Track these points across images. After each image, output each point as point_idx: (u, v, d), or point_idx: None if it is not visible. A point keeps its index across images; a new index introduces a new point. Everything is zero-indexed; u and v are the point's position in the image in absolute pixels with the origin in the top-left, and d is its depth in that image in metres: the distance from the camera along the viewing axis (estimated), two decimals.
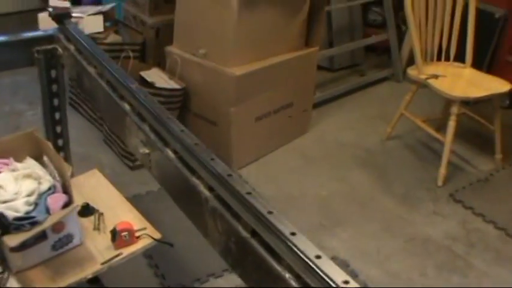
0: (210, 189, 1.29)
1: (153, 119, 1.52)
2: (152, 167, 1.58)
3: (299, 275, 1.05)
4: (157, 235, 2.17)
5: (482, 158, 3.55)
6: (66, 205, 2.04)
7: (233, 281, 2.57)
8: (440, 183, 3.25)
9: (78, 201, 2.37)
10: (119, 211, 2.31)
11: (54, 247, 2.08)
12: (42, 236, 2.02)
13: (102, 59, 1.84)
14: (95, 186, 2.44)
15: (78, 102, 3.71)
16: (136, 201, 3.02)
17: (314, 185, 3.22)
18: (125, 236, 2.11)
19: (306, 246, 1.08)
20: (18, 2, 5.50)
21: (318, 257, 1.06)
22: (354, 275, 2.62)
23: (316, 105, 3.84)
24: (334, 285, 1.00)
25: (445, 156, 3.21)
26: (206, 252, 2.69)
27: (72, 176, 2.58)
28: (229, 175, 1.25)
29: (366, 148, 3.59)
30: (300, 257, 1.06)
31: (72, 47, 2.07)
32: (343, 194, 3.18)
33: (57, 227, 2.05)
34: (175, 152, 1.43)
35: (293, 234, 1.10)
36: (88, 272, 2.07)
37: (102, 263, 2.09)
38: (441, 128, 3.54)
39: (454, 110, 3.14)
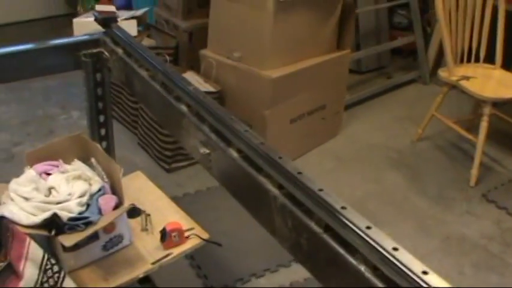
0: (279, 187, 1.32)
1: (214, 119, 1.56)
2: (213, 167, 1.62)
3: (376, 266, 1.09)
4: (205, 235, 2.21)
5: None
6: (116, 206, 2.09)
7: (274, 280, 2.61)
8: (472, 183, 3.28)
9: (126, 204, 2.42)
10: (166, 212, 2.35)
11: (105, 247, 2.13)
12: (94, 236, 2.06)
13: (155, 61, 1.89)
14: (139, 188, 2.49)
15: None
16: (176, 203, 3.08)
17: (348, 186, 3.26)
18: (175, 236, 2.15)
19: (383, 239, 1.11)
20: (46, 7, 5.58)
21: (395, 249, 1.10)
22: None
23: (346, 108, 3.87)
24: (413, 276, 1.04)
25: (478, 156, 3.24)
26: (247, 253, 2.76)
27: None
28: (299, 173, 1.29)
29: (397, 149, 3.63)
30: (377, 249, 1.10)
31: (120, 51, 2.12)
32: (377, 194, 3.21)
33: (109, 227, 2.09)
34: (239, 151, 1.47)
35: (368, 228, 1.14)
36: (139, 272, 2.11)
37: (153, 263, 2.13)
38: (471, 129, 3.57)
39: (486, 110, 3.17)
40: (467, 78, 3.30)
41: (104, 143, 2.61)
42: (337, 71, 3.49)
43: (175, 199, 3.08)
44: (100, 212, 2.07)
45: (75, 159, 2.30)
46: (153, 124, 3.27)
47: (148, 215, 2.36)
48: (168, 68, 1.86)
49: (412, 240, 2.88)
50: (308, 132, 3.44)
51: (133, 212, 2.35)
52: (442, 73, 3.42)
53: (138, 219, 2.35)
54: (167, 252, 2.17)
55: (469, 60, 3.51)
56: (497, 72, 3.48)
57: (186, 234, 2.19)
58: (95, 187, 2.15)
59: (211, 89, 3.23)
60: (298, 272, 2.66)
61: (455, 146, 3.68)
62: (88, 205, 2.06)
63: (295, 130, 3.34)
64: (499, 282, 2.66)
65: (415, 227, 2.98)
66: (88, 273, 2.12)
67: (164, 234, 2.16)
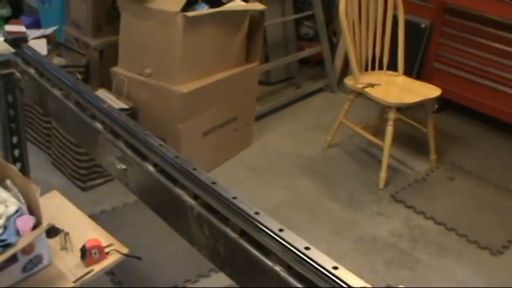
0: (195, 197, 1.38)
1: (129, 135, 1.60)
2: (130, 182, 1.65)
3: (290, 266, 1.16)
4: (124, 250, 2.24)
5: (418, 159, 3.77)
6: (35, 226, 2.08)
7: (219, 281, 2.66)
8: (381, 185, 3.44)
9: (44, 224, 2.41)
10: (84, 229, 2.36)
11: (24, 269, 2.11)
12: (12, 259, 2.04)
13: (68, 80, 1.91)
14: (56, 207, 2.48)
15: None
16: (92, 219, 3.07)
17: (262, 194, 3.35)
18: (95, 253, 2.17)
19: (295, 240, 1.19)
20: None
21: (307, 248, 1.18)
22: None
23: (257, 118, 3.97)
24: (325, 271, 1.12)
25: (385, 159, 3.40)
26: (167, 265, 2.80)
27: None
28: (214, 183, 1.36)
29: (308, 157, 3.75)
30: (290, 249, 1.18)
31: (32, 70, 2.11)
32: (291, 201, 3.32)
33: (28, 248, 2.08)
34: (155, 165, 1.51)
35: (281, 230, 1.22)
36: None
37: (74, 281, 2.14)
38: (378, 133, 3.75)
39: (391, 115, 3.34)
40: (372, 85, 3.47)
41: (19, 164, 2.59)
42: (247, 83, 3.58)
43: (93, 217, 3.07)
44: (18, 234, 2.06)
45: None
46: (66, 143, 3.25)
47: (67, 233, 2.36)
48: (81, 87, 1.89)
49: (326, 243, 3.00)
50: (221, 144, 3.51)
51: (52, 231, 2.35)
52: (348, 81, 3.57)
53: (57, 238, 2.35)
54: (88, 269, 2.18)
55: (373, 68, 3.68)
56: (400, 79, 3.67)
57: (106, 250, 2.21)
58: (12, 209, 2.14)
59: (123, 105, 3.24)
60: (218, 282, 2.71)
61: (364, 151, 3.85)
62: (5, 227, 2.05)
63: (208, 142, 3.40)
64: (410, 276, 2.81)
65: (329, 230, 3.10)
66: None
67: (84, 252, 2.17)
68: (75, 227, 2.35)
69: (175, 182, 1.45)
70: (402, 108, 3.84)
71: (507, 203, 3.41)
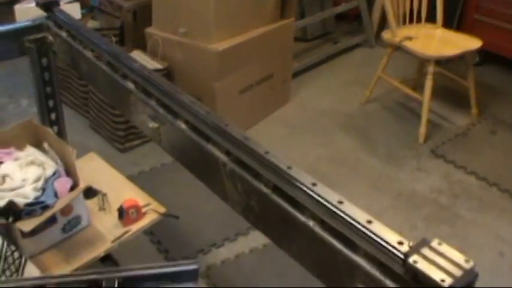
0: (227, 153, 1.36)
1: (161, 93, 1.59)
2: (162, 140, 1.65)
3: (323, 220, 1.14)
4: (162, 209, 2.25)
5: (459, 113, 3.69)
6: (72, 188, 2.10)
7: (234, 248, 2.67)
8: (421, 140, 3.38)
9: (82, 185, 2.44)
10: (122, 190, 2.38)
11: (64, 230, 2.14)
12: (52, 220, 2.07)
13: (99, 42, 1.90)
14: (94, 169, 2.50)
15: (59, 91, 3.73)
16: (132, 181, 3.10)
17: (300, 151, 3.32)
18: (132, 213, 2.19)
19: (328, 194, 1.17)
20: None
21: (340, 202, 1.15)
22: None
23: (295, 76, 3.92)
24: (358, 225, 1.10)
25: (424, 114, 3.33)
26: (205, 225, 2.81)
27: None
28: (246, 138, 1.33)
29: (346, 113, 3.70)
30: (323, 204, 1.15)
31: (64, 34, 2.12)
32: (329, 158, 3.29)
33: (66, 210, 2.11)
34: (186, 122, 1.50)
35: (314, 184, 1.19)
36: (100, 251, 2.14)
37: (113, 241, 2.17)
38: (417, 88, 3.67)
39: (430, 69, 3.26)
40: (410, 38, 3.38)
41: (55, 128, 2.61)
42: (282, 39, 3.53)
43: (131, 178, 3.10)
44: (56, 196, 2.09)
45: (28, 146, 2.31)
46: (104, 106, 3.27)
47: (105, 194, 2.38)
48: (113, 47, 1.88)
49: (366, 199, 2.97)
50: (258, 102, 3.49)
51: (90, 192, 2.37)
52: (386, 35, 3.49)
53: (95, 199, 2.37)
54: (126, 229, 2.20)
55: (411, 21, 3.59)
56: (439, 31, 3.56)
57: (143, 210, 2.22)
58: (49, 171, 2.17)
59: (158, 66, 3.23)
60: (257, 239, 2.72)
61: (402, 106, 3.77)
62: (44, 189, 2.08)
63: (244, 100, 3.38)
64: (450, 232, 2.77)
65: (368, 186, 3.06)
66: (49, 257, 2.14)
67: (122, 212, 2.19)
68: (112, 188, 2.37)
69: (207, 138, 1.44)
70: (442, 62, 3.75)
71: None
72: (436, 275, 0.96)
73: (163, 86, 1.59)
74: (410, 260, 0.99)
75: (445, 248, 1.02)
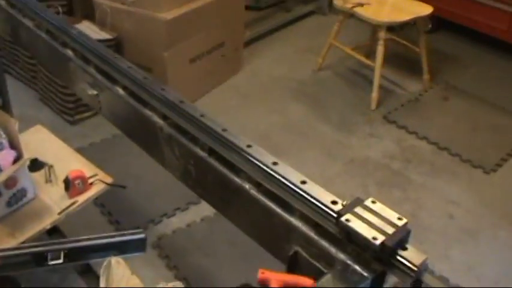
0: (164, 117, 1.34)
1: (99, 60, 1.55)
2: (102, 108, 1.62)
3: (259, 182, 1.13)
4: (109, 179, 2.22)
5: (411, 80, 3.70)
6: (15, 160, 2.06)
7: (186, 218, 2.66)
8: (373, 106, 3.39)
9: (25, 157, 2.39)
10: (68, 162, 2.34)
11: (9, 203, 2.10)
12: None
13: (39, 10, 1.84)
14: (40, 141, 2.45)
15: (7, 64, 3.63)
16: (81, 153, 3.05)
17: (252, 120, 3.31)
18: (78, 184, 2.15)
19: (263, 156, 1.16)
20: None
21: (275, 163, 1.14)
22: None
23: (247, 44, 3.89)
24: (293, 186, 1.09)
25: (376, 80, 3.34)
26: (156, 195, 2.78)
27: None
28: (182, 101, 1.31)
29: (299, 80, 3.69)
30: (258, 166, 1.14)
31: (3, 2, 2.05)
32: (281, 125, 3.28)
33: (10, 182, 2.07)
34: (124, 88, 1.47)
35: (249, 146, 1.18)
36: (46, 223, 2.11)
37: (59, 213, 2.13)
38: (370, 55, 3.67)
39: (381, 35, 3.26)
40: (361, 4, 3.37)
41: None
42: (233, 7, 3.48)
43: (81, 150, 3.06)
44: None
45: None
46: (52, 78, 3.19)
47: (51, 166, 2.34)
48: (52, 15, 1.82)
49: (318, 166, 2.98)
50: (209, 71, 3.44)
51: (36, 165, 2.33)
52: (337, 1, 3.46)
53: (42, 171, 2.33)
54: (72, 200, 2.17)
55: None
56: None
57: (90, 180, 2.19)
58: None
59: (107, 36, 3.17)
60: (209, 208, 2.68)
61: (356, 73, 3.77)
62: None
63: (195, 69, 3.34)
64: (402, 196, 2.80)
65: (321, 153, 3.07)
66: None
67: (68, 183, 2.15)
68: (59, 160, 2.32)
69: (145, 103, 1.41)
70: (395, 28, 3.75)
71: (501, 121, 3.36)
72: (368, 233, 0.96)
73: (102, 53, 1.55)
74: (343, 218, 0.99)
75: (378, 207, 1.02)
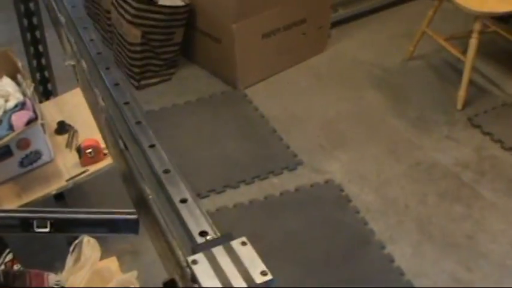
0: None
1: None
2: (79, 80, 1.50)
3: None
4: None
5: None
6: (29, 122, 2.02)
7: (218, 201, 2.53)
8: (459, 106, 3.03)
9: (57, 119, 2.36)
10: (95, 129, 2.27)
11: (21, 164, 2.09)
12: (7, 153, 2.03)
13: None
14: (76, 105, 2.40)
15: (94, 21, 3.63)
16: None
17: (323, 105, 3.08)
18: (90, 153, 2.08)
19: (160, 160, 0.98)
20: None
21: (167, 171, 0.96)
22: (347, 200, 2.51)
23: (337, 24, 3.62)
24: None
25: (465, 77, 2.97)
26: (195, 173, 2.67)
27: (57, 94, 2.57)
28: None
29: (384, 68, 3.37)
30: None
31: None
32: (351, 114, 3.02)
33: (22, 143, 2.05)
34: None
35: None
36: (52, 188, 2.07)
37: (67, 180, 2.08)
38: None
39: (476, 26, 2.89)
40: None
41: (44, 60, 2.52)
42: None
43: None
44: (12, 128, 2.02)
45: (4, 76, 2.25)
46: (122, 41, 3.14)
47: (76, 131, 2.29)
48: None
49: (378, 164, 2.71)
50: (285, 48, 3.23)
51: (63, 128, 2.29)
52: None
53: (66, 135, 2.29)
54: (84, 169, 2.11)
55: None
56: None
57: (105, 151, 2.11)
58: (11, 103, 2.10)
59: (179, 2, 3.06)
60: (245, 194, 2.55)
61: (449, 66, 3.39)
62: (0, 121, 2.02)
63: (269, 45, 3.14)
64: (463, 213, 2.47)
65: (385, 151, 2.79)
66: (3, 190, 2.09)
67: (79, 151, 2.09)
68: (87, 126, 2.26)
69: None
70: (507, 21, 3.33)
71: None
72: (209, 282, 0.76)
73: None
74: (191, 258, 0.79)
75: (245, 252, 0.80)
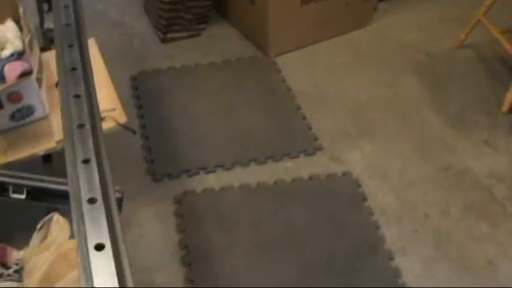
0: None
1: None
2: None
3: None
4: (123, 119, 1.96)
5: None
6: (24, 74, 1.86)
7: (224, 178, 2.36)
8: (505, 109, 2.75)
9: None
10: (97, 87, 2.10)
11: (13, 117, 1.97)
12: None
13: None
14: None
15: None
16: (154, 75, 2.82)
17: (356, 86, 2.85)
18: None
19: None
20: None
21: (92, 200, 0.78)
22: (362, 199, 2.30)
23: None
24: None
25: None
26: (205, 144, 2.49)
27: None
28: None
29: (430, 53, 3.10)
30: None
31: None
32: (385, 101, 2.78)
33: (14, 97, 1.92)
34: None
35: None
36: (41, 149, 1.93)
37: (57, 142, 1.93)
38: None
39: None
40: None
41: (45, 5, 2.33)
42: None
43: (158, 71, 2.83)
44: (3, 80, 1.86)
45: (9, 19, 2.09)
46: None
47: None
48: None
49: (403, 163, 2.48)
50: (325, 18, 2.97)
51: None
52: None
53: None
54: None
55: None
56: None
57: (103, 114, 1.93)
58: (7, 52, 1.95)
59: None
60: (254, 174, 2.37)
61: (501, 62, 3.08)
62: None
63: (308, 13, 2.89)
64: (487, 232, 2.24)
65: (414, 148, 2.55)
66: None
67: None
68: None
69: None
70: None
71: None
72: None
73: None
74: None
75: None
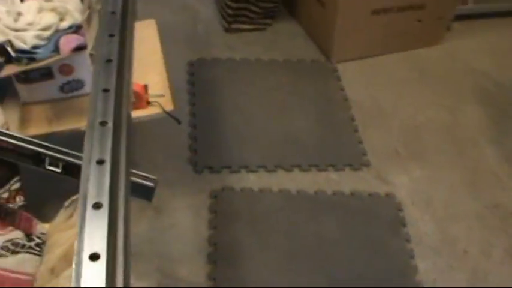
0: None
1: None
2: None
3: None
4: (170, 106, 1.94)
5: None
6: (79, 48, 1.86)
7: (265, 180, 2.31)
8: None
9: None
10: (150, 70, 2.10)
11: (62, 89, 1.99)
12: (48, 74, 1.91)
13: None
14: (143, 38, 2.21)
15: None
16: (213, 64, 2.79)
17: (414, 105, 2.75)
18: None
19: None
20: None
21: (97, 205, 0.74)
22: (402, 224, 2.22)
23: (463, 18, 3.21)
24: None
25: None
26: (251, 141, 2.45)
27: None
28: None
29: (498, 82, 2.95)
30: None
31: None
32: (442, 125, 2.68)
33: (65, 69, 1.95)
34: None
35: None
36: (83, 124, 1.92)
37: None
38: None
39: None
40: None
41: None
42: None
43: (216, 61, 2.80)
44: (57, 51, 1.87)
45: None
46: None
47: None
48: None
49: (449, 193, 2.38)
50: (394, 31, 2.88)
51: None
52: None
53: None
54: None
55: None
56: None
57: (149, 99, 1.93)
58: (66, 23, 1.94)
59: None
60: (296, 181, 2.32)
61: None
62: (48, 40, 1.88)
63: (377, 23, 2.81)
64: None
65: (465, 179, 2.45)
66: (38, 110, 2.00)
67: None
68: (144, 65, 2.08)
69: None
70: None
71: None
72: None
73: None
74: None
75: None
